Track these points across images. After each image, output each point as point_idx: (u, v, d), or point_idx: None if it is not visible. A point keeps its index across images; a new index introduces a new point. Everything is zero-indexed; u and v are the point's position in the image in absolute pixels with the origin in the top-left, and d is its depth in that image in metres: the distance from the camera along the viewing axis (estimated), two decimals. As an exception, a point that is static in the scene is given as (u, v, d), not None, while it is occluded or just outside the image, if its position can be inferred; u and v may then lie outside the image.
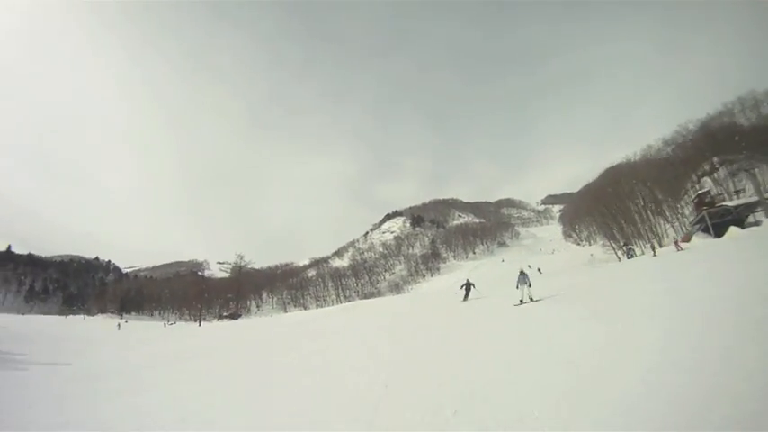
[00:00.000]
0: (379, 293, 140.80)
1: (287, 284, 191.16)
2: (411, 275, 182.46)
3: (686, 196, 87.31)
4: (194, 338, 42.44)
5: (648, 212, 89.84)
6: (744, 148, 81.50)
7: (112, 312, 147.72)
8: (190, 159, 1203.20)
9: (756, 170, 77.81)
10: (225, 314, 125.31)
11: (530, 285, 19.26)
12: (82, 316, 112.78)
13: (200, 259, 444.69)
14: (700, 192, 57.89)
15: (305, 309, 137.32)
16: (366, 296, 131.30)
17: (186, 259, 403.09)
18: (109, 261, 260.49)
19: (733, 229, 40.14)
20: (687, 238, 51.49)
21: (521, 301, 18.54)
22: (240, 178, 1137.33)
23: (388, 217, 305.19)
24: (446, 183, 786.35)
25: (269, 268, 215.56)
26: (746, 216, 48.41)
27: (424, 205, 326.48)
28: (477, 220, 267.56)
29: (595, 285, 22.92)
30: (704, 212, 47.52)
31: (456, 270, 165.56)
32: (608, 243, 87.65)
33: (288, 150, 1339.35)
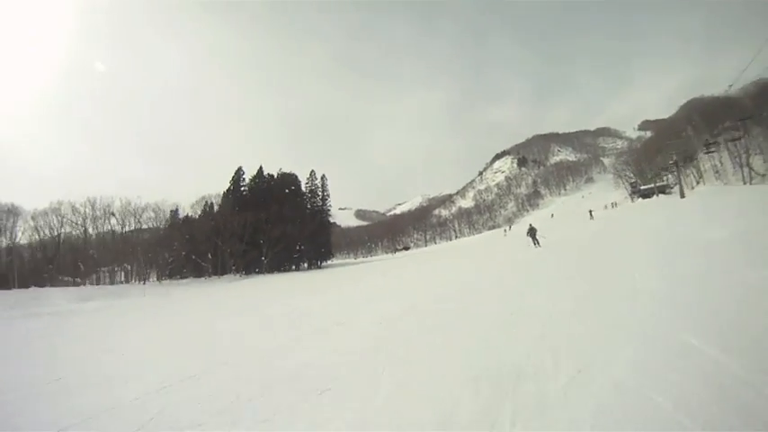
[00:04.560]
0: (498, 226, 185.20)
1: (429, 224, 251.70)
2: (519, 210, 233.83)
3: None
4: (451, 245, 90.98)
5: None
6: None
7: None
8: (292, 117, 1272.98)
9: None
10: (399, 248, 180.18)
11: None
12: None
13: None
14: (631, 181, 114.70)
15: (450, 240, 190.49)
16: (490, 228, 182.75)
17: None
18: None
19: (642, 200, 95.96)
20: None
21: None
22: (341, 125, 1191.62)
23: (497, 157, 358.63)
24: (549, 102, 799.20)
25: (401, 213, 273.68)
26: (652, 192, 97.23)
27: (528, 141, 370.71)
28: (572, 157, 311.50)
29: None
30: (633, 189, 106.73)
31: (550, 205, 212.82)
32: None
33: (384, 89, 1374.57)
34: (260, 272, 73.87)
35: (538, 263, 18.83)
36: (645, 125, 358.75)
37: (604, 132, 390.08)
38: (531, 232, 29.77)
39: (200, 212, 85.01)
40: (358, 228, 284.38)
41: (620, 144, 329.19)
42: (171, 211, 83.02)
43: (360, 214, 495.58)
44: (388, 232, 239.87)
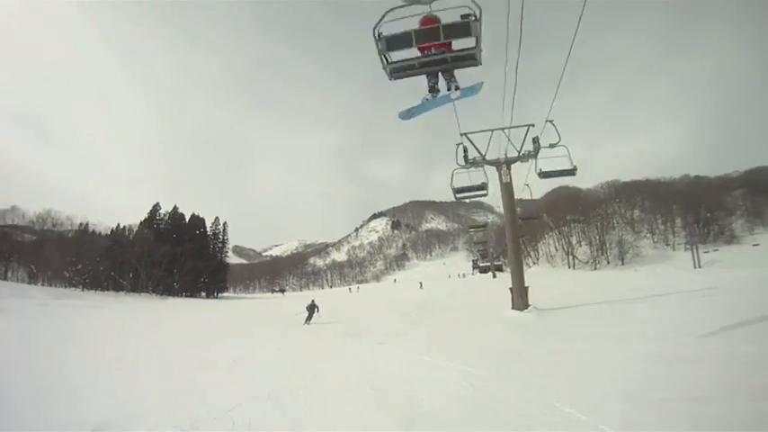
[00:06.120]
0: (366, 281, 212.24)
1: (303, 272, 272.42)
2: (386, 269, 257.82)
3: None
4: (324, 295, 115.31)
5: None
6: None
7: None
8: (171, 128, 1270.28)
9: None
10: (276, 289, 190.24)
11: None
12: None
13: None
14: (473, 260, 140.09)
15: (322, 288, 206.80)
16: (359, 282, 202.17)
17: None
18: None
19: (480, 274, 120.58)
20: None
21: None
22: (225, 150, 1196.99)
23: (375, 216, 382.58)
24: (433, 164, 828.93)
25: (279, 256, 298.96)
26: (488, 269, 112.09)
27: (404, 206, 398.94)
28: (443, 226, 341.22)
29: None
30: (473, 265, 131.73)
31: (414, 268, 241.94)
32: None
33: (278, 123, 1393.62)
34: (171, 295, 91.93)
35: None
36: (517, 203, 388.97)
37: (479, 206, 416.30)
38: (310, 308, 27.58)
39: (109, 233, 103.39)
40: (239, 265, 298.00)
41: (490, 219, 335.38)
42: (80, 224, 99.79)
43: (237, 251, 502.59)
44: (266, 273, 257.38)
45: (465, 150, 23.06)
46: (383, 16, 8.51)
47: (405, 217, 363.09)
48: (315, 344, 18.05)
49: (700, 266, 68.95)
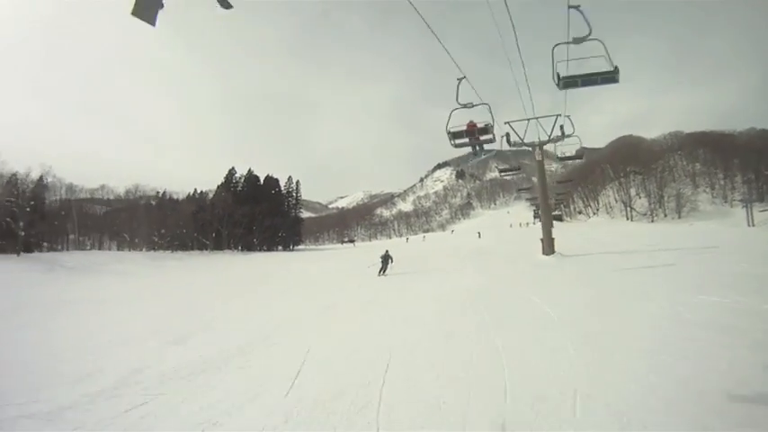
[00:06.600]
0: (432, 230, 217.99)
1: (371, 222, 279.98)
2: (451, 218, 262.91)
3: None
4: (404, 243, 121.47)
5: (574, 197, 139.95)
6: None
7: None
8: (232, 94, 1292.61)
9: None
10: (346, 240, 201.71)
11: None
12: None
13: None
14: (534, 209, 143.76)
15: (390, 238, 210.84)
16: (425, 231, 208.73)
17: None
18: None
19: (538, 222, 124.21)
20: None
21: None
22: (287, 111, 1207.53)
23: (439, 166, 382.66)
24: (498, 110, 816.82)
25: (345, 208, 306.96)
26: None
27: (469, 155, 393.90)
28: (507, 176, 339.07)
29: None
30: (534, 214, 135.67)
31: (479, 217, 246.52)
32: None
33: (336, 81, 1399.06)
34: (250, 250, 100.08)
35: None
36: (580, 151, 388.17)
37: (543, 154, 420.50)
38: (385, 259, 28.49)
39: (184, 198, 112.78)
40: (308, 218, 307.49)
41: (554, 167, 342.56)
42: (156, 193, 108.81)
43: (303, 204, 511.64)
44: (335, 225, 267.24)
45: (508, 136, 30.71)
46: (449, 117, 21.10)
47: (469, 166, 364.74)
48: (396, 276, 26.61)
49: (753, 225, 69.98)
